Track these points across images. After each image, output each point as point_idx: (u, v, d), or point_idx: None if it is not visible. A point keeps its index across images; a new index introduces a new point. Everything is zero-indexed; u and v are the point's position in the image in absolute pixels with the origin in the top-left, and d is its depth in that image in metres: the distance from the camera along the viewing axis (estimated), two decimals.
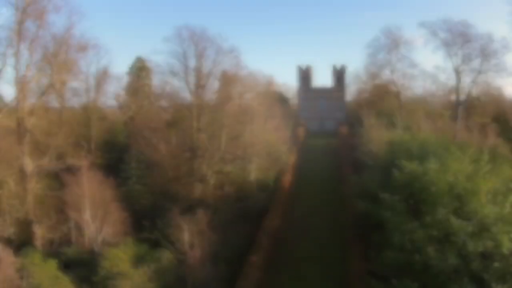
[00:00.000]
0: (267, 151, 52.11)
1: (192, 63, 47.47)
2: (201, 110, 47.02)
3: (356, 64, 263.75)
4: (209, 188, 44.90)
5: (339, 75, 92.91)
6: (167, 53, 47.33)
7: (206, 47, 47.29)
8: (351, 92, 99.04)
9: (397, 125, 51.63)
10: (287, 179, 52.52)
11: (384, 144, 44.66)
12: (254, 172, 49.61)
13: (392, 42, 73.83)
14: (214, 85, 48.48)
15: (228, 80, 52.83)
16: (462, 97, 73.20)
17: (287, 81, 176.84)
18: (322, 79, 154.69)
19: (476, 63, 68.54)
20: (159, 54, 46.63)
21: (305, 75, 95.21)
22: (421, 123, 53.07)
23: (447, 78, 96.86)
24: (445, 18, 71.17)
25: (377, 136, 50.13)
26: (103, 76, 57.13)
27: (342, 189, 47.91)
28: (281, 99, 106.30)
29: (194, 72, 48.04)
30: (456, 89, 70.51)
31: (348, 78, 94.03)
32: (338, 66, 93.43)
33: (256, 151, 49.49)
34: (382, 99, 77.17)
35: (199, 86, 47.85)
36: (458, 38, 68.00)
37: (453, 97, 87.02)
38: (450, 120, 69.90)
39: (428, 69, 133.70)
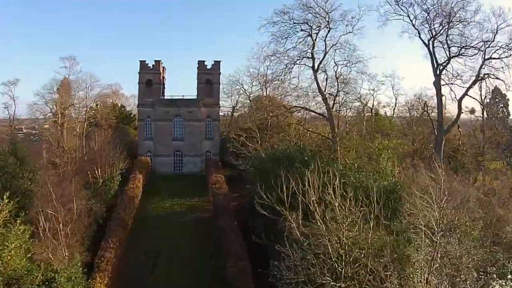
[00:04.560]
0: None
1: None
2: None
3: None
4: None
5: (209, 78, 54.75)
6: None
7: None
8: (228, 107, 63.52)
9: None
10: None
11: None
12: None
13: (317, 17, 39.71)
14: None
15: None
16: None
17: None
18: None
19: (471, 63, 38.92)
20: None
21: (152, 77, 54.99)
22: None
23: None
24: None
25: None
26: None
27: None
28: (121, 117, 67.08)
29: None
30: (439, 106, 39.95)
31: (226, 86, 58.30)
32: (209, 64, 55.13)
33: None
34: (290, 121, 42.16)
35: None
36: (444, 19, 37.59)
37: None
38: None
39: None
